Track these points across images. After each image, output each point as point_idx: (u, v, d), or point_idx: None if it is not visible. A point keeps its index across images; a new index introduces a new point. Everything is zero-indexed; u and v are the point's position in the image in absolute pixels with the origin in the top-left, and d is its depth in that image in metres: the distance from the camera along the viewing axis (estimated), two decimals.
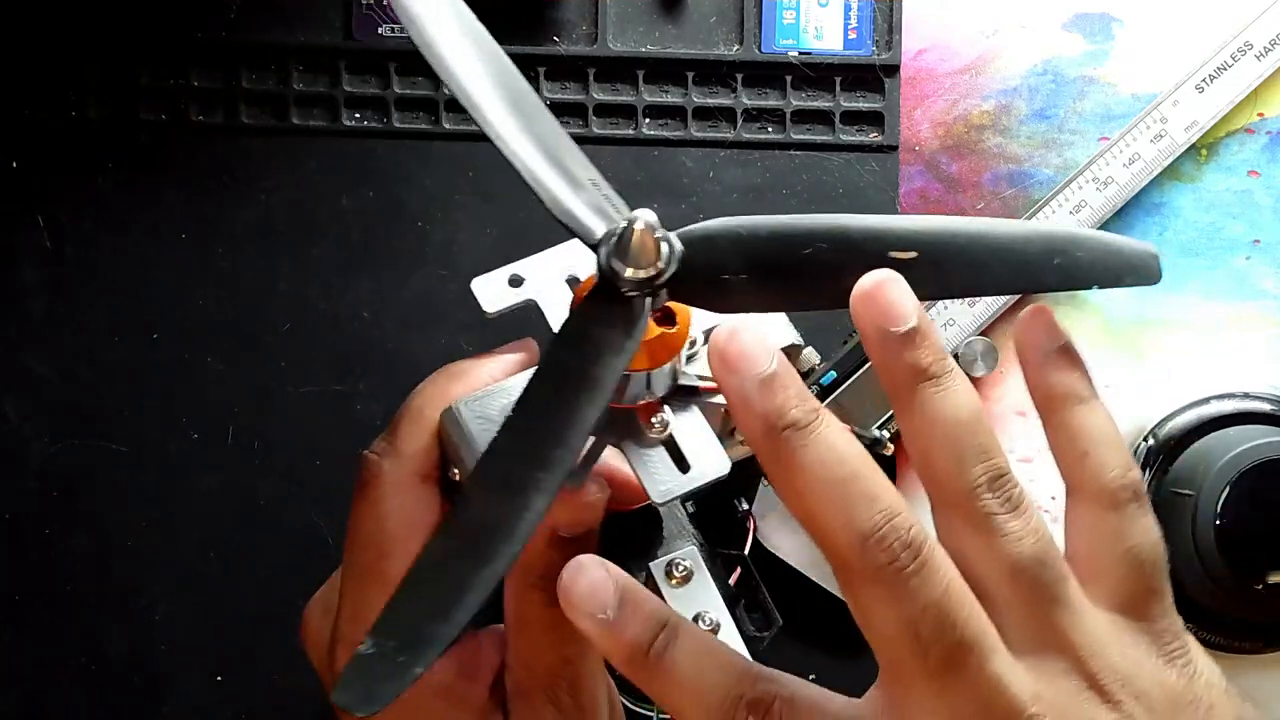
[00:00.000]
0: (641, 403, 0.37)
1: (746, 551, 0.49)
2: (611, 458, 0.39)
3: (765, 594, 0.48)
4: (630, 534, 0.42)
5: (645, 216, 0.33)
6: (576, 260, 0.40)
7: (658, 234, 0.33)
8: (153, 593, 0.52)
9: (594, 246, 0.34)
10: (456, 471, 0.39)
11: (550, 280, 0.40)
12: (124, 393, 0.53)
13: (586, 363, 0.33)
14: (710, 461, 0.38)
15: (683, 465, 0.37)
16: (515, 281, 0.40)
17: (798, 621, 0.50)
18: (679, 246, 0.34)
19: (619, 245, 0.33)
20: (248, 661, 0.52)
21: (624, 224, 0.33)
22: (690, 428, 0.38)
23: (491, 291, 0.40)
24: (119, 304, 0.53)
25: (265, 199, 0.54)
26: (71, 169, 0.54)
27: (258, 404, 0.53)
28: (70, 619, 0.52)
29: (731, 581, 0.48)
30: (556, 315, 0.40)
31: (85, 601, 0.52)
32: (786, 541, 0.51)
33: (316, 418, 0.53)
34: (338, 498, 0.53)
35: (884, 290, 0.34)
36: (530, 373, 0.39)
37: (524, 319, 0.41)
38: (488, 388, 0.39)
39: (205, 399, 0.53)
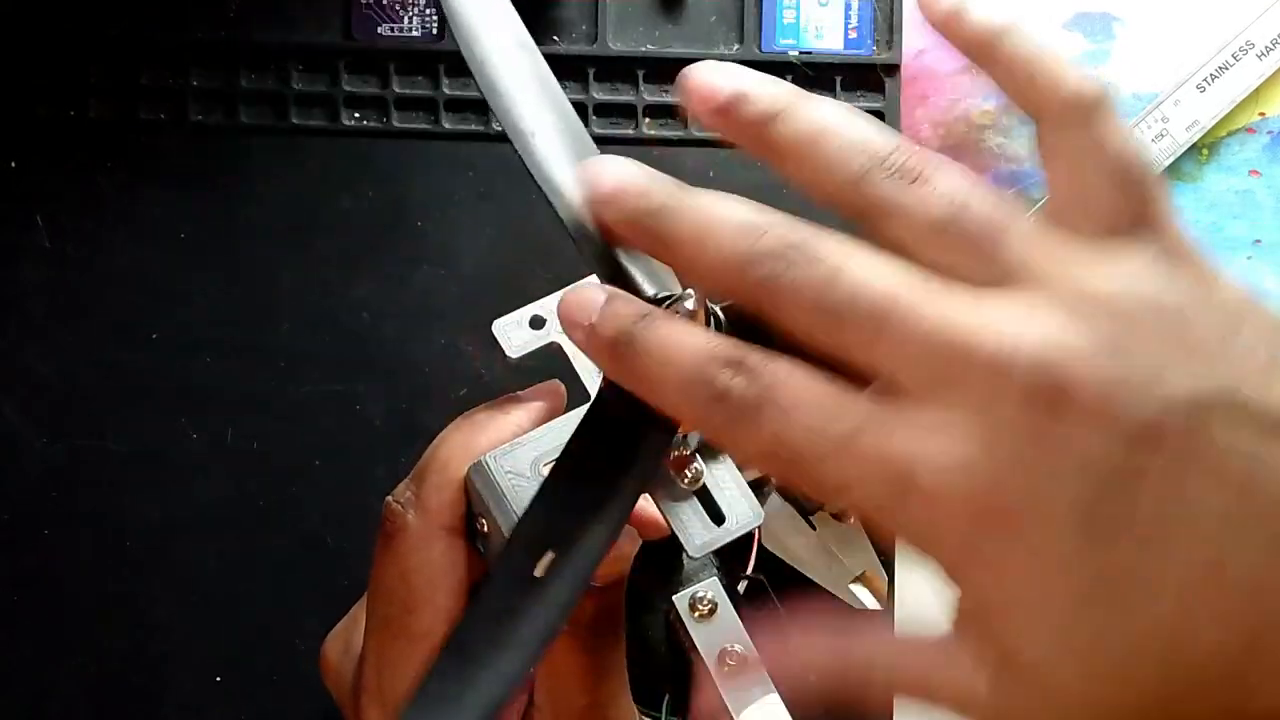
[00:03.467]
0: (674, 454, 0.37)
1: (750, 568, 0.49)
2: None
3: (784, 615, 0.48)
4: (651, 566, 0.42)
5: (695, 293, 0.33)
6: None
7: (704, 309, 0.33)
8: (153, 593, 0.52)
9: None
10: (484, 523, 0.39)
11: None
12: (124, 393, 0.53)
13: (622, 450, 0.33)
14: (744, 512, 0.38)
15: (716, 517, 0.37)
16: (537, 323, 0.40)
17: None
18: (724, 320, 0.34)
19: None
20: (248, 661, 0.52)
21: (671, 300, 0.33)
22: (722, 477, 0.38)
23: (512, 334, 0.40)
24: (119, 304, 0.53)
25: (265, 199, 0.54)
26: (71, 169, 0.54)
27: (258, 404, 0.53)
28: (70, 619, 0.52)
29: (740, 589, 0.48)
30: (580, 357, 0.40)
31: (85, 601, 0.52)
32: (788, 542, 0.51)
33: (316, 418, 0.53)
34: (338, 498, 0.53)
35: (695, 77, 0.32)
36: (560, 422, 0.39)
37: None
38: (516, 440, 0.38)
39: (205, 399, 0.53)
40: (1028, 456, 0.28)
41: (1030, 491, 0.28)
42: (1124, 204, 0.31)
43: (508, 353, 0.40)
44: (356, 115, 0.54)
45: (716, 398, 0.30)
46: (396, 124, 0.54)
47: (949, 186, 0.30)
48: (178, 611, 0.52)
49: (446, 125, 0.54)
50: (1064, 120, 0.32)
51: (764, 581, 0.48)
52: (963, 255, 0.30)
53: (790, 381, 0.30)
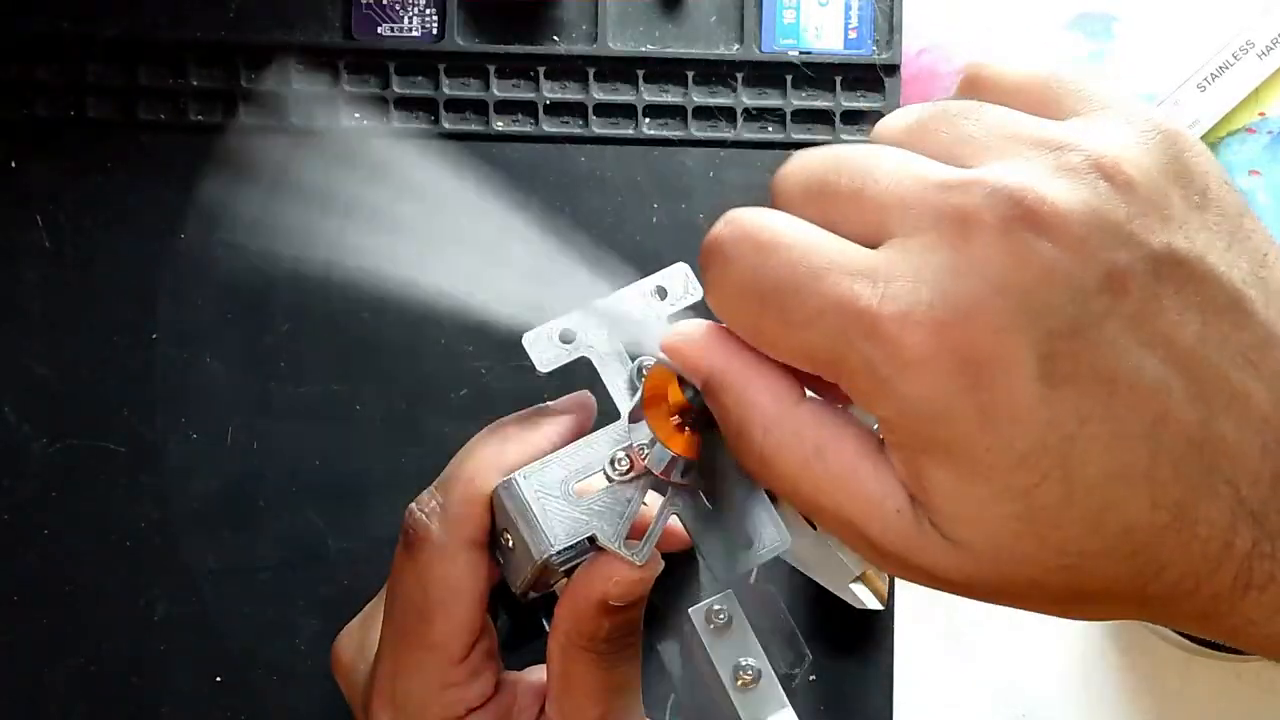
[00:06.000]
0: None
1: (754, 577, 0.49)
2: (647, 510, 0.39)
3: (794, 626, 0.48)
4: (667, 577, 0.42)
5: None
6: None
7: None
8: (153, 593, 0.52)
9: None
10: (509, 538, 0.39)
11: (602, 334, 0.40)
12: (124, 393, 0.53)
13: None
14: (771, 536, 0.38)
15: (744, 541, 0.38)
16: (566, 337, 0.40)
17: (798, 622, 0.50)
18: None
19: None
20: (248, 661, 0.52)
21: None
22: (750, 502, 0.38)
23: (543, 348, 0.40)
24: (119, 304, 0.53)
25: (265, 199, 0.54)
26: (71, 169, 0.54)
27: (258, 404, 0.53)
28: (70, 619, 0.52)
29: (752, 580, 0.48)
30: (610, 373, 0.40)
31: (85, 601, 0.52)
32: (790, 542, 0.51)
33: (316, 418, 0.53)
34: (337, 498, 0.53)
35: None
36: (590, 440, 0.38)
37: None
38: (546, 458, 0.38)
39: (205, 399, 0.53)
40: (998, 284, 0.28)
41: (994, 328, 0.28)
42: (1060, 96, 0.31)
43: (538, 367, 0.39)
44: (356, 115, 0.54)
45: (707, 243, 0.31)
46: (396, 124, 0.54)
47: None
48: (178, 611, 0.52)
49: (446, 125, 0.54)
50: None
51: (774, 593, 0.48)
52: (939, 134, 0.30)
53: (771, 219, 0.31)
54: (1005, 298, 0.28)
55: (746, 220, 0.31)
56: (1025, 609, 0.30)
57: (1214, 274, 0.28)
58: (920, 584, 0.31)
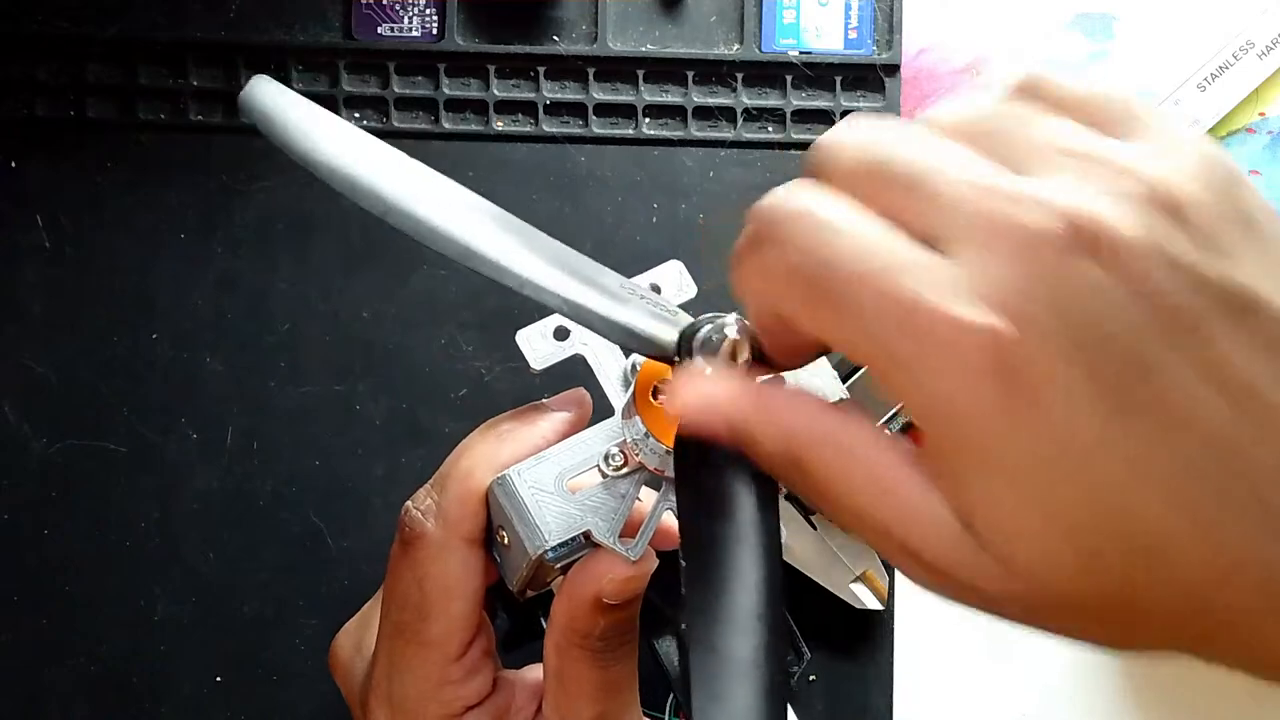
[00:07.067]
0: None
1: None
2: (641, 506, 0.39)
3: (793, 624, 0.48)
4: (664, 575, 0.42)
5: (735, 320, 0.33)
6: None
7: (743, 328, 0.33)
8: (153, 593, 0.53)
9: (673, 360, 0.33)
10: (504, 535, 0.39)
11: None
12: (124, 393, 0.53)
13: (728, 511, 0.32)
14: None
15: None
16: (560, 334, 0.40)
17: (798, 622, 0.50)
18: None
19: (706, 351, 0.33)
20: (248, 661, 0.52)
21: (713, 334, 0.33)
22: None
23: (537, 346, 0.40)
24: (119, 304, 0.53)
25: (265, 199, 0.54)
26: (71, 169, 0.54)
27: (258, 404, 0.53)
28: (70, 619, 0.52)
29: None
30: (604, 370, 0.40)
31: (85, 601, 0.52)
32: (789, 542, 0.51)
33: (316, 418, 0.53)
34: (337, 498, 0.53)
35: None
36: (584, 436, 0.38)
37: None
38: (541, 454, 0.38)
39: (205, 399, 0.53)
40: (1056, 307, 0.27)
41: (1051, 350, 0.27)
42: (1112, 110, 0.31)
43: (532, 364, 0.39)
44: (356, 115, 0.54)
45: (757, 217, 0.30)
46: (396, 124, 0.54)
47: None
48: (178, 611, 0.53)
49: (446, 125, 0.54)
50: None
51: None
52: (1000, 135, 0.30)
53: (829, 202, 0.30)
54: (1063, 321, 0.27)
55: (805, 198, 0.30)
56: (1074, 636, 0.30)
57: (1269, 308, 0.28)
58: (969, 605, 0.30)
